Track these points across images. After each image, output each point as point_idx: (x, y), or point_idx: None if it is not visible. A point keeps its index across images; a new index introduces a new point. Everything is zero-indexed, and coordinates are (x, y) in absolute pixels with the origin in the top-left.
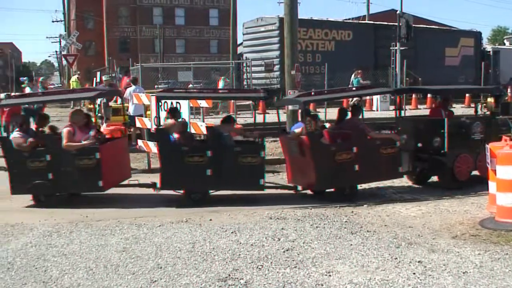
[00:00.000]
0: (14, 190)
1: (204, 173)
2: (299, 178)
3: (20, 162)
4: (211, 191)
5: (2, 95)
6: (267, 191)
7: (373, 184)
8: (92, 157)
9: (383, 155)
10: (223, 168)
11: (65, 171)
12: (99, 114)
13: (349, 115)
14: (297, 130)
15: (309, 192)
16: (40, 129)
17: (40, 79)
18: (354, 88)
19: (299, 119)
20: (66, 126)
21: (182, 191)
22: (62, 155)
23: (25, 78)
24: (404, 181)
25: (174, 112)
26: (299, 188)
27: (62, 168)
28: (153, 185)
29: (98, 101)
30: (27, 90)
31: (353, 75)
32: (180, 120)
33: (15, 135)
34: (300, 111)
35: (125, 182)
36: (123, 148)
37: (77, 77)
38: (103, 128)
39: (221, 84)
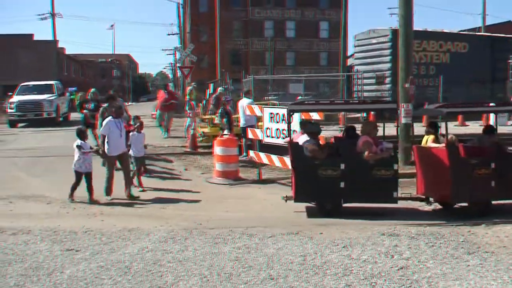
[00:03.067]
0: (300, 198)
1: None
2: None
3: (310, 169)
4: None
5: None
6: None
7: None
8: (389, 168)
9: None
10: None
11: (359, 181)
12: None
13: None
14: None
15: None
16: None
17: (91, 90)
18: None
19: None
20: (363, 136)
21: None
22: (358, 165)
23: (73, 88)
24: None
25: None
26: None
27: (356, 177)
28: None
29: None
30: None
31: None
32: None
33: (310, 142)
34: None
35: None
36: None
37: (193, 88)
38: (219, 138)
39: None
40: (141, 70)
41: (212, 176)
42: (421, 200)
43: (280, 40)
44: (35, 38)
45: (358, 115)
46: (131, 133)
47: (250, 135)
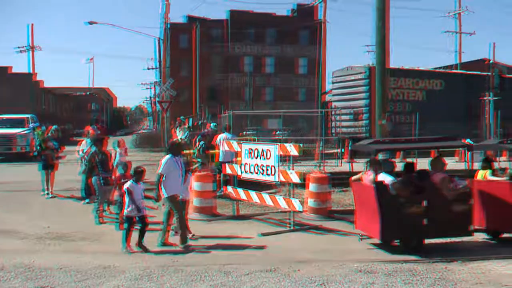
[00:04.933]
0: (387, 235)
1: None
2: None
3: (397, 207)
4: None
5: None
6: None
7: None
8: (465, 203)
9: None
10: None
11: (440, 216)
12: (199, 159)
13: None
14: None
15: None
16: None
17: (52, 127)
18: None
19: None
20: (439, 173)
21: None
22: (439, 201)
23: (36, 123)
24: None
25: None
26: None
27: (437, 213)
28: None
29: (198, 145)
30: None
31: None
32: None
33: (397, 180)
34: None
35: None
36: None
37: (179, 123)
38: (196, 174)
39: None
40: (119, 103)
41: (189, 212)
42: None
43: (259, 76)
44: (13, 70)
45: (334, 150)
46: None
47: (228, 170)
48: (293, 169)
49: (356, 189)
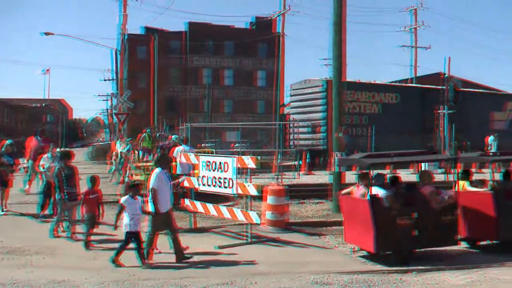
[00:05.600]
0: (381, 247)
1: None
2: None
3: (389, 219)
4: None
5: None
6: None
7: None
8: (452, 214)
9: None
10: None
11: (429, 227)
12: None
13: None
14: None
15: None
16: None
17: (6, 142)
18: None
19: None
20: (427, 186)
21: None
22: (428, 212)
23: None
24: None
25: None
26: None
27: (426, 224)
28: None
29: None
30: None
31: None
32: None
33: (389, 193)
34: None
35: None
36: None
37: (146, 134)
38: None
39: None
40: (75, 115)
41: (145, 224)
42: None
43: (217, 88)
44: None
45: (292, 163)
46: None
47: (185, 183)
48: (250, 182)
49: (346, 202)
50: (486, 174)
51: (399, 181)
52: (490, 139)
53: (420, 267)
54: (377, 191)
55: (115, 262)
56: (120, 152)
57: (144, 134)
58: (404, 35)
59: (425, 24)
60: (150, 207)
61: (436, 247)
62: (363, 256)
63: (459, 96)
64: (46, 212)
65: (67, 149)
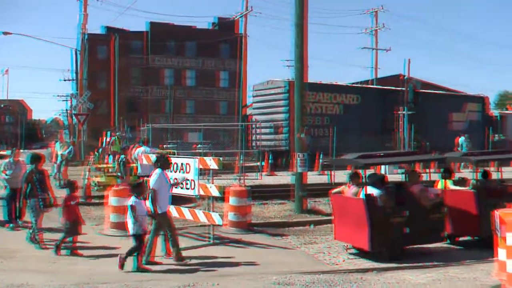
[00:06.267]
0: (376, 245)
1: (403, 231)
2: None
3: (383, 218)
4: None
5: None
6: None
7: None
8: (440, 211)
9: None
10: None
11: (419, 225)
12: (118, 173)
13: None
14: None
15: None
16: None
17: None
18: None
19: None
20: (417, 185)
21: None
22: (418, 211)
23: None
24: None
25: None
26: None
27: (417, 222)
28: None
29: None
30: None
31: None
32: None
33: (382, 192)
34: None
35: None
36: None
37: (116, 138)
38: (113, 189)
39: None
40: (35, 116)
41: (104, 227)
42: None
43: (179, 89)
44: None
45: (254, 164)
46: None
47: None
48: (213, 183)
49: (337, 201)
50: (463, 173)
51: (386, 180)
52: (461, 139)
53: (411, 264)
54: (371, 190)
55: (139, 267)
56: (61, 154)
57: (114, 137)
58: (365, 37)
59: (386, 26)
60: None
61: (424, 244)
62: (353, 254)
63: (418, 97)
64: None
65: (36, 151)
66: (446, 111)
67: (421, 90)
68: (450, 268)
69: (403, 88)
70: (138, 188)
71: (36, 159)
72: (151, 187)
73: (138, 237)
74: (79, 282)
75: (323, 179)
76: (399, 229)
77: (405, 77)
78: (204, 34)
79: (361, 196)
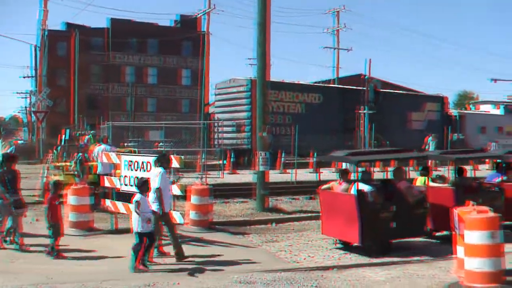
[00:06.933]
0: (365, 239)
1: (390, 225)
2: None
3: (373, 213)
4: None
5: None
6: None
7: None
8: (423, 207)
9: None
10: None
11: (405, 219)
12: (75, 172)
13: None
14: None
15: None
16: None
17: None
18: None
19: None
20: (402, 181)
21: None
22: (404, 206)
23: None
24: None
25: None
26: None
27: (402, 217)
28: None
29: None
30: None
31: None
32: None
33: (373, 188)
34: None
35: None
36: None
37: (91, 136)
38: (72, 187)
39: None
40: None
41: (64, 226)
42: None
43: (140, 86)
44: None
45: (216, 162)
46: None
47: (106, 183)
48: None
49: (326, 197)
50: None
51: (370, 177)
52: (429, 139)
53: (369, 261)
54: (362, 186)
55: (136, 267)
56: (2, 153)
57: (89, 135)
58: (327, 36)
59: (347, 26)
60: (153, 207)
61: (409, 238)
62: (340, 248)
63: (379, 96)
64: None
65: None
66: (405, 111)
67: (381, 90)
68: (409, 265)
69: (364, 88)
70: (144, 186)
71: (9, 159)
72: (157, 187)
73: (142, 235)
74: (37, 282)
75: (285, 177)
76: (387, 223)
77: (366, 77)
78: (166, 31)
79: (352, 192)
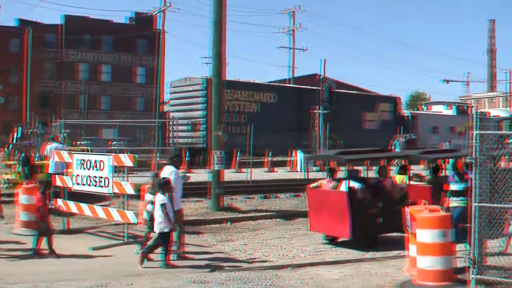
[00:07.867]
0: (357, 234)
1: (377, 220)
2: None
3: (362, 209)
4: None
5: None
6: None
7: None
8: (405, 203)
9: None
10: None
11: (389, 215)
12: (19, 171)
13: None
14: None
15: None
16: None
17: None
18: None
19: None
20: (387, 179)
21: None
22: (389, 202)
23: None
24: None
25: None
26: None
27: (388, 212)
28: None
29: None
30: None
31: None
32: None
33: (363, 185)
34: None
35: None
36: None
37: (66, 135)
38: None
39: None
40: None
41: (14, 226)
42: None
43: (94, 84)
44: None
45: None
46: None
47: (57, 182)
48: (128, 180)
49: (314, 195)
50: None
51: (357, 175)
52: (395, 140)
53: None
54: (352, 184)
55: (167, 264)
56: None
57: (65, 134)
58: (283, 36)
59: (303, 27)
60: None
61: (393, 232)
62: (328, 244)
63: (333, 97)
64: None
65: None
66: (359, 111)
67: (336, 90)
68: (362, 263)
69: (319, 88)
70: (167, 186)
71: None
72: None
73: (165, 234)
74: None
75: (240, 176)
76: (374, 219)
77: (321, 77)
78: (121, 28)
79: (342, 189)
